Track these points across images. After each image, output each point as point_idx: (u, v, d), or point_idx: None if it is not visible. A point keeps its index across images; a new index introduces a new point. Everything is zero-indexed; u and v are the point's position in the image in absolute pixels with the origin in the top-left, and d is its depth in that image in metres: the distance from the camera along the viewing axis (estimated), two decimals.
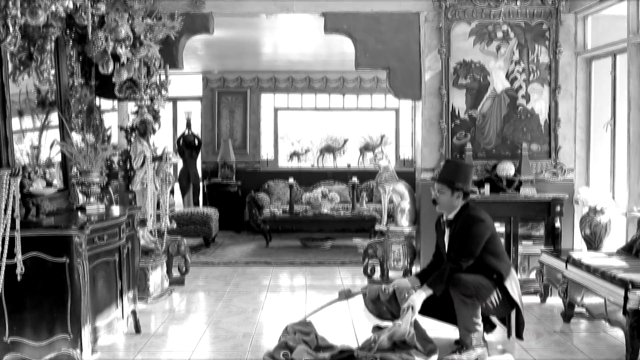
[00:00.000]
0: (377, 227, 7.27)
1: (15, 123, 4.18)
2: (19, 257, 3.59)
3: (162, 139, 7.63)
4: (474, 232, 4.20)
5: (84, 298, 3.75)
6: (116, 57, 5.16)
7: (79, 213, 4.46)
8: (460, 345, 4.20)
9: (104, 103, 6.66)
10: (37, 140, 4.58)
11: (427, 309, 4.28)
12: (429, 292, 4.18)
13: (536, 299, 5.78)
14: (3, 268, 3.50)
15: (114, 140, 6.15)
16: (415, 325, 4.21)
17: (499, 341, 4.60)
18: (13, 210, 3.56)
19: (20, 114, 4.36)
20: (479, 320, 4.17)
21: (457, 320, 4.23)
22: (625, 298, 3.97)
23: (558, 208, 5.88)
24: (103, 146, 4.73)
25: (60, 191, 4.60)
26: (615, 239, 5.46)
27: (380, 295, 4.43)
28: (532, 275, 5.94)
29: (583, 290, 4.68)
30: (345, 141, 12.02)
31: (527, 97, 6.21)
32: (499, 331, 4.86)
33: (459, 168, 4.44)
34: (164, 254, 6.11)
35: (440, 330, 4.67)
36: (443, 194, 4.32)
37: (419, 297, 4.15)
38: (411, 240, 6.51)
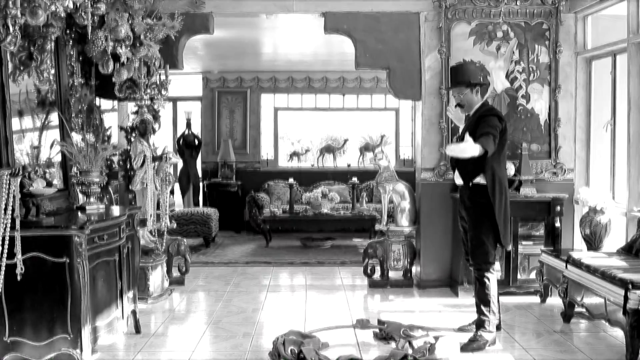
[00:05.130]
0: (377, 227, 7.27)
1: (15, 123, 4.18)
2: (19, 257, 3.59)
3: (162, 139, 7.63)
4: (491, 122, 4.43)
5: (84, 298, 3.75)
6: (116, 57, 5.15)
7: (79, 213, 4.46)
8: (476, 328, 4.50)
9: (104, 103, 6.65)
10: (37, 140, 4.58)
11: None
12: (478, 146, 4.32)
13: (536, 299, 5.78)
14: (3, 268, 3.50)
15: (114, 140, 6.15)
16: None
17: (499, 337, 4.61)
18: (13, 210, 3.56)
19: (20, 114, 4.36)
20: (496, 301, 4.52)
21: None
22: (625, 298, 3.97)
23: (558, 208, 5.87)
24: (103, 146, 4.73)
25: (60, 191, 4.60)
26: (615, 239, 5.45)
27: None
28: (532, 275, 5.94)
29: (583, 290, 4.68)
30: (345, 141, 12.02)
31: (527, 97, 6.20)
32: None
33: (464, 67, 4.96)
34: (164, 254, 6.11)
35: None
36: (465, 94, 4.64)
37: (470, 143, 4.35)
38: (411, 240, 6.52)
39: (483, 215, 4.48)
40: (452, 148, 4.54)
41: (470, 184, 4.53)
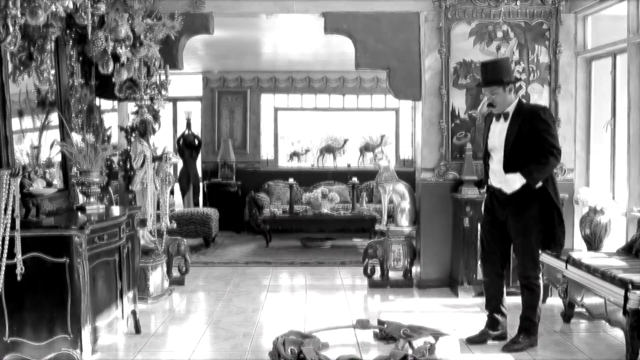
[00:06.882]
0: (377, 227, 7.27)
1: (15, 123, 4.18)
2: (19, 257, 3.59)
3: (162, 139, 7.63)
4: (552, 125, 4.36)
5: (84, 298, 3.75)
6: (116, 57, 5.15)
7: (79, 213, 4.46)
8: (522, 332, 4.44)
9: (104, 103, 6.65)
10: (37, 140, 4.58)
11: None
12: (523, 180, 4.25)
13: None
14: (3, 268, 3.50)
15: (114, 140, 6.15)
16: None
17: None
18: (13, 210, 3.56)
19: (20, 114, 4.36)
20: (540, 306, 4.48)
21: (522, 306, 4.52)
22: (625, 298, 3.97)
23: None
24: (103, 146, 4.73)
25: (60, 191, 4.60)
26: (615, 239, 5.46)
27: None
28: None
29: (583, 290, 4.68)
30: (345, 141, 12.02)
31: (527, 97, 6.19)
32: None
33: (498, 64, 4.51)
34: (164, 254, 6.11)
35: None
36: (497, 94, 4.36)
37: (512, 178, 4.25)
38: (411, 240, 6.51)
39: (535, 220, 4.32)
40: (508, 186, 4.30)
41: (521, 188, 4.28)
